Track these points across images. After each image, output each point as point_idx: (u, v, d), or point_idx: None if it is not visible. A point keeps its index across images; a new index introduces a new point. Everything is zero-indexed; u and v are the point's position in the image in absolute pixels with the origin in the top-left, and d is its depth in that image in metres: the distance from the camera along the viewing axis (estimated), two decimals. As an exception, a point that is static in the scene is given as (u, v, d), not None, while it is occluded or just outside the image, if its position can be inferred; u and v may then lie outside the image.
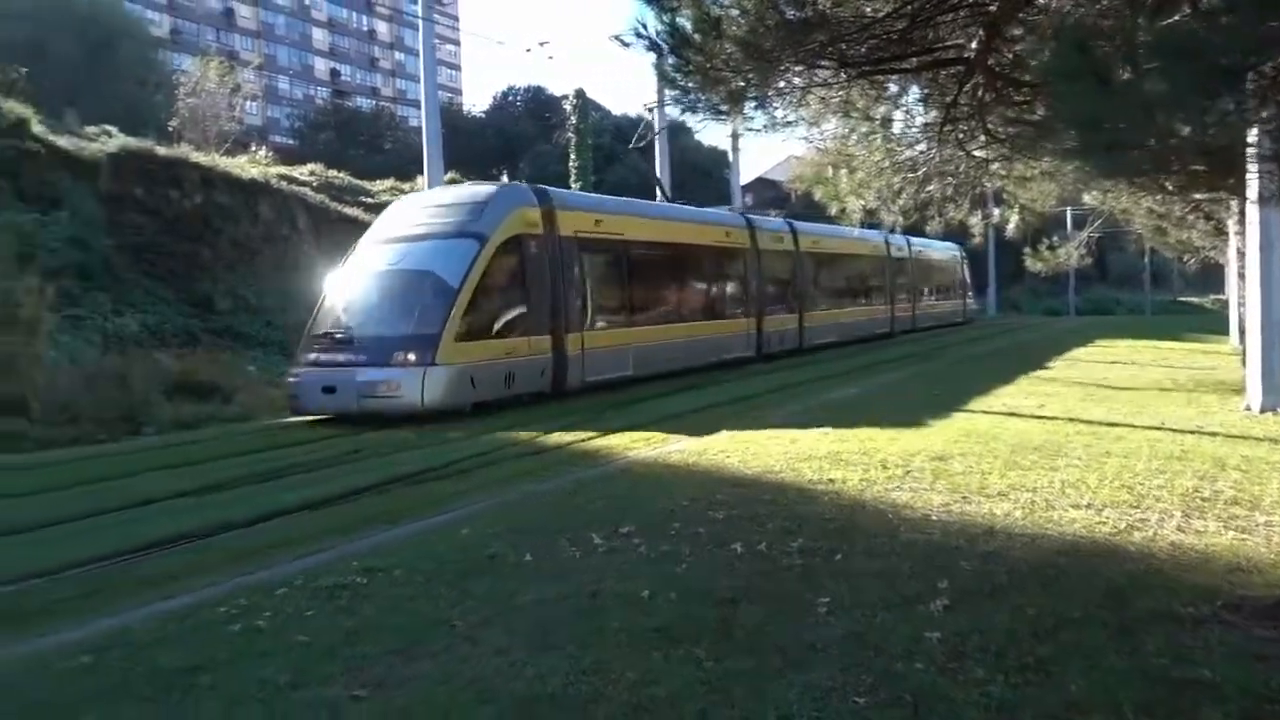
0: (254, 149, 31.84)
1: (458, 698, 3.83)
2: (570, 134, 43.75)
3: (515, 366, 14.87)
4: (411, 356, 13.50)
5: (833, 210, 9.69)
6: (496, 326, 14.80)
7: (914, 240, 33.88)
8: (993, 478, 7.64)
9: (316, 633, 4.58)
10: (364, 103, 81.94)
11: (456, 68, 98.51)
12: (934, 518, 6.42)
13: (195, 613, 4.94)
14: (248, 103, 41.04)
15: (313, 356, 14.32)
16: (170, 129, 31.15)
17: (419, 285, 14.62)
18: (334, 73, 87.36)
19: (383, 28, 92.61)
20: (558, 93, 65.03)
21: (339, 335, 14.38)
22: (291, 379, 14.43)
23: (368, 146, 60.06)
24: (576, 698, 3.77)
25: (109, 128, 26.31)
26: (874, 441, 9.40)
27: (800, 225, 26.35)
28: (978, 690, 3.70)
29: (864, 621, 4.47)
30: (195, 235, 23.66)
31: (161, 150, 25.20)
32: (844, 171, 9.31)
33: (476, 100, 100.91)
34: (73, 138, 23.95)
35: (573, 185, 30.31)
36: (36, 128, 22.78)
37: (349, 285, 15.23)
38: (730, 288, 22.58)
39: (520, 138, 64.17)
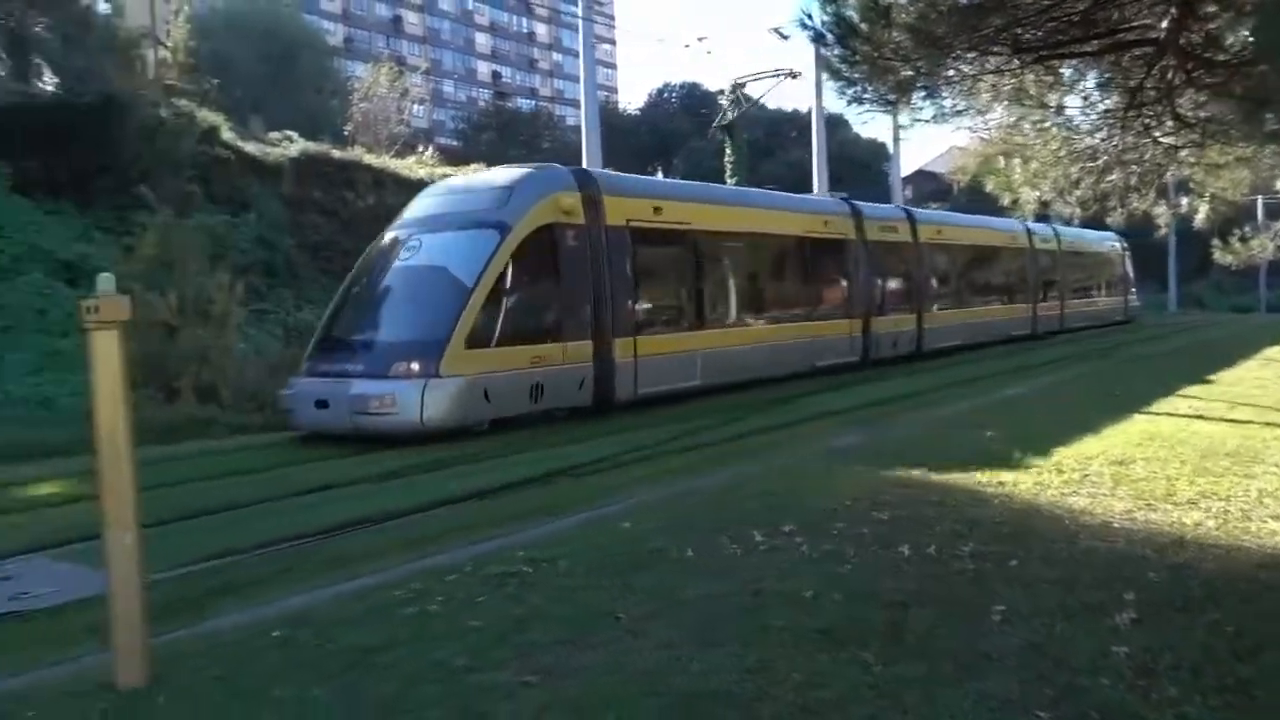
0: (421, 150, 33.16)
1: (625, 689, 3.86)
2: (725, 129, 43.57)
3: (545, 377, 12.77)
4: (415, 366, 11.62)
5: (1005, 201, 9.32)
6: (520, 330, 12.78)
7: (1064, 231, 30.42)
8: (1180, 484, 7.18)
9: (487, 618, 4.71)
10: (523, 103, 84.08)
11: (613, 66, 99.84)
12: (1116, 525, 6.08)
13: (374, 594, 5.17)
14: (415, 106, 42.78)
15: (311, 365, 12.68)
16: (345, 133, 32.79)
17: (429, 283, 12.82)
18: (495, 75, 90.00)
19: (541, 30, 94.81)
20: (713, 88, 64.97)
21: (338, 341, 12.79)
22: (287, 390, 12.62)
23: (527, 146, 61.53)
24: (742, 696, 3.75)
25: (290, 133, 27.93)
26: (1042, 443, 8.98)
27: (921, 213, 23.89)
28: (1172, 711, 3.48)
29: (1043, 631, 4.27)
30: (368, 234, 24.76)
31: (337, 153, 26.60)
32: (1016, 161, 8.94)
33: (631, 98, 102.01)
34: (259, 144, 25.53)
35: (728, 180, 30.17)
36: (226, 135, 24.40)
37: (358, 283, 13.61)
38: (828, 284, 20.05)
39: (675, 134, 64.51)
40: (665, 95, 75.56)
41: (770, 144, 58.67)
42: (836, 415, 13.02)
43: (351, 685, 3.99)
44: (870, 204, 22.74)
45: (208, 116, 24.38)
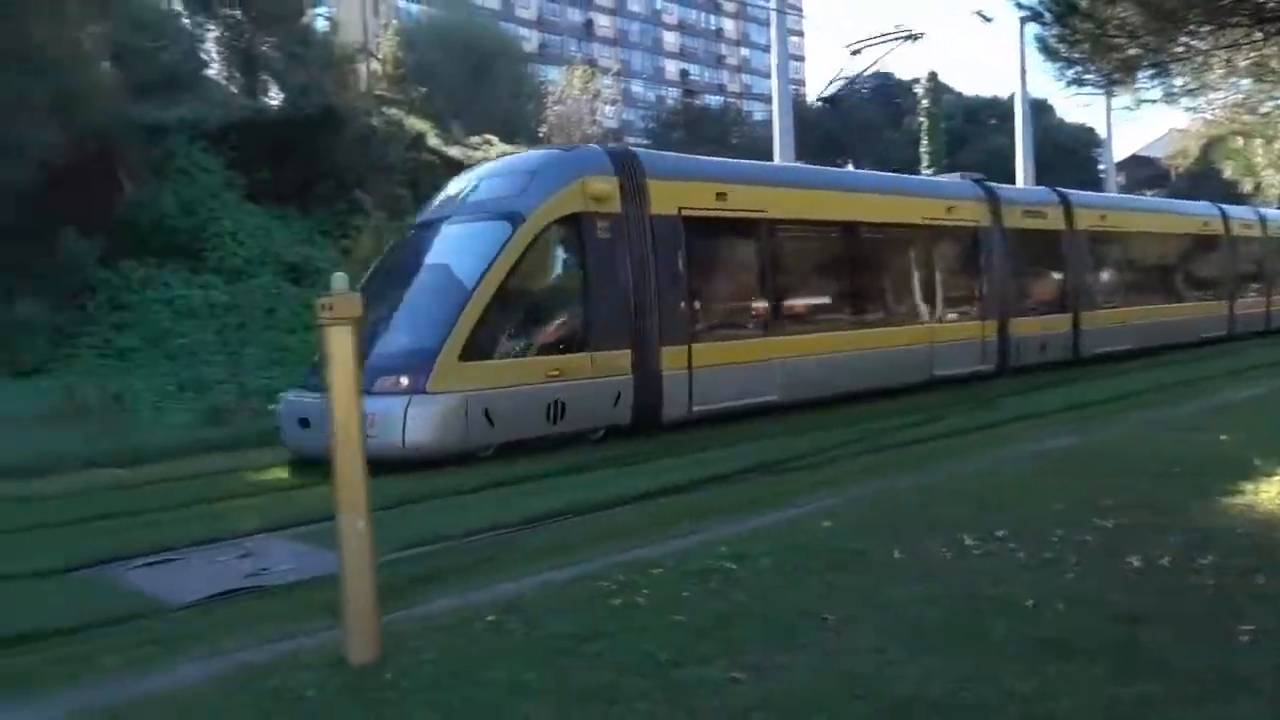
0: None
1: (832, 691, 3.78)
2: (922, 118, 42.46)
3: (567, 393, 10.89)
4: (402, 381, 10.12)
5: (1246, 187, 8.57)
6: (534, 338, 11.19)
7: (1273, 215, 25.10)
8: None
9: (692, 613, 4.72)
10: (712, 100, 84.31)
11: (801, 59, 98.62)
12: (1379, 541, 5.48)
13: (580, 584, 5.28)
14: (606, 107, 43.63)
15: (305, 377, 11.21)
16: (540, 135, 33.84)
17: (428, 285, 11.48)
18: (683, 73, 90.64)
19: (729, 25, 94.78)
20: (905, 77, 63.13)
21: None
22: (275, 406, 11.59)
23: (716, 142, 61.50)
24: (960, 706, 3.59)
25: (489, 137, 29.10)
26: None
27: (1078, 196, 20.44)
28: None
29: (1299, 655, 3.89)
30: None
31: (533, 156, 27.43)
32: (1258, 143, 8.19)
33: (820, 90, 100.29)
34: (461, 148, 26.73)
35: (923, 171, 29.21)
36: (432, 140, 25.67)
37: (370, 283, 11.97)
38: (950, 279, 16.86)
39: (865, 125, 63.04)
40: (855, 86, 74.02)
41: (967, 131, 56.46)
42: (1041, 418, 12.33)
43: (563, 672, 4.08)
44: (1011, 186, 19.77)
45: (415, 123, 25.72)
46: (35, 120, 16.77)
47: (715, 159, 15.66)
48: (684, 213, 12.36)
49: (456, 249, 11.49)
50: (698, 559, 5.63)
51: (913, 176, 19.10)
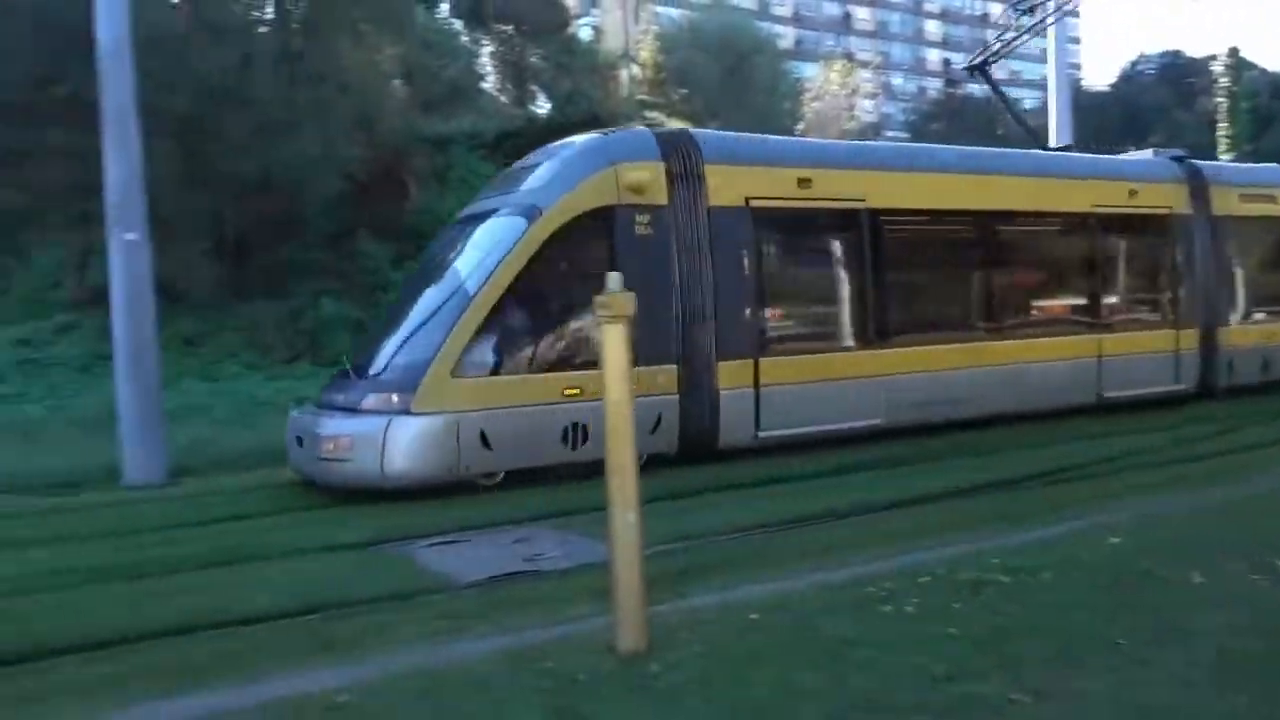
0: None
1: (1130, 724, 3.50)
2: (1220, 98, 38.60)
3: (590, 415, 8.86)
4: (393, 399, 9.01)
5: None
6: (550, 351, 9.68)
7: None
8: None
9: (965, 626, 4.52)
10: (976, 90, 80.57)
11: (1076, 40, 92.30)
12: None
13: (848, 588, 5.19)
14: (865, 101, 42.71)
15: (322, 392, 10.28)
16: (796, 133, 33.63)
17: (438, 289, 10.16)
18: (945, 63, 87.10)
19: (996, 10, 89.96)
20: (1199, 55, 57.67)
21: (347, 365, 10.12)
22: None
23: (979, 133, 58.73)
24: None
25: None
26: None
27: None
28: None
29: None
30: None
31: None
32: None
33: (1098, 74, 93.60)
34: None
35: (1220, 156, 26.48)
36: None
37: (403, 288, 10.74)
38: (1130, 279, 14.10)
39: (1151, 109, 58.02)
40: (1139, 67, 68.42)
41: (1274, 109, 50.67)
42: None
43: (834, 676, 4.02)
44: (1229, 164, 16.06)
45: (673, 124, 26.24)
46: (340, 135, 18.58)
47: (801, 139, 13.47)
48: (753, 203, 10.58)
49: (471, 248, 10.17)
50: (969, 569, 5.39)
51: (1085, 155, 15.71)
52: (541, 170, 10.35)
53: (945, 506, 7.92)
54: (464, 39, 30.30)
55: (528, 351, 9.58)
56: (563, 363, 9.58)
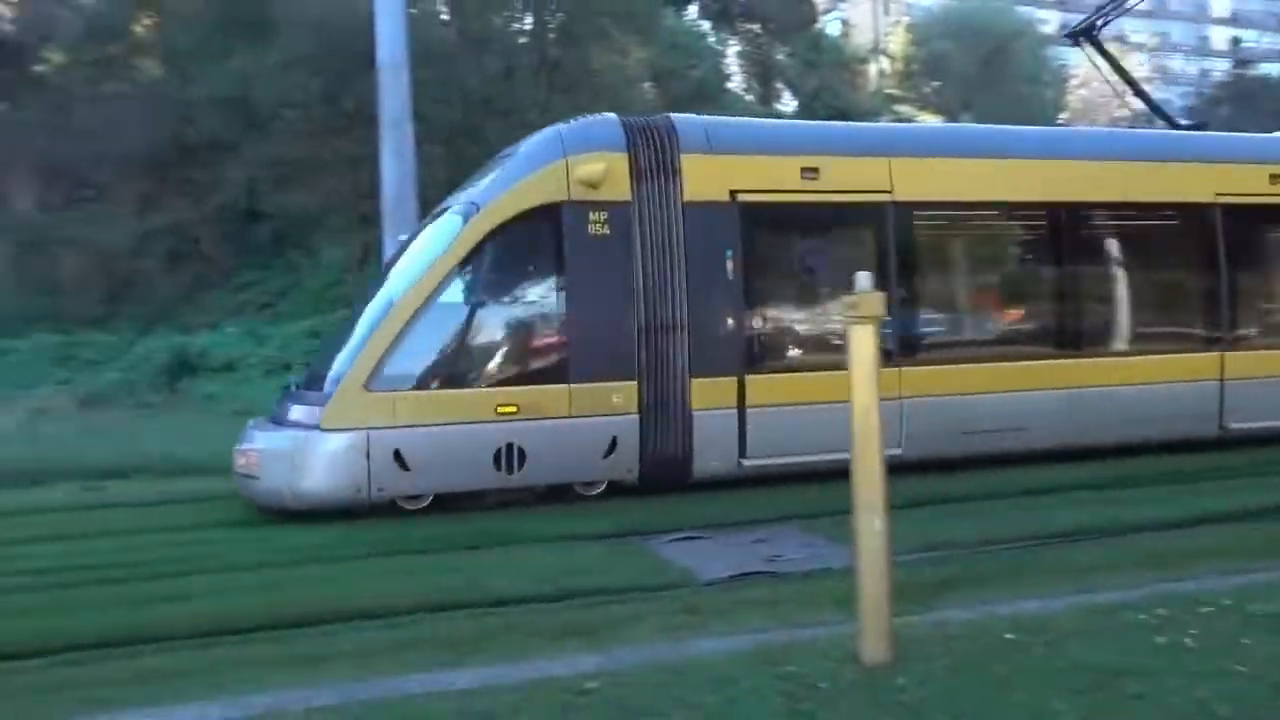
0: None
1: None
2: None
3: (526, 436, 8.30)
4: (313, 413, 8.27)
5: None
6: (482, 364, 8.72)
7: None
8: None
9: (1256, 664, 4.08)
10: (1270, 70, 72.71)
11: None
12: None
13: (1114, 613, 4.81)
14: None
15: (275, 407, 9.38)
16: (1059, 121, 31.64)
17: (378, 296, 9.17)
18: (1234, 41, 79.25)
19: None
20: None
21: (299, 375, 9.34)
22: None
23: (1274, 116, 53.11)
24: None
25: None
26: None
27: None
28: None
29: None
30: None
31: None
32: None
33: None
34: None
35: None
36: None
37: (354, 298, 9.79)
38: (1266, 286, 11.42)
39: None
40: None
41: None
42: None
43: (1096, 707, 3.74)
44: None
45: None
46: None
47: (807, 122, 11.24)
48: (741, 198, 9.12)
49: (411, 252, 9.33)
50: (1264, 601, 4.86)
51: (1211, 134, 13.05)
52: (493, 165, 9.59)
53: (1241, 529, 7.13)
54: (711, 40, 30.63)
55: (455, 364, 8.63)
56: (497, 377, 8.67)
